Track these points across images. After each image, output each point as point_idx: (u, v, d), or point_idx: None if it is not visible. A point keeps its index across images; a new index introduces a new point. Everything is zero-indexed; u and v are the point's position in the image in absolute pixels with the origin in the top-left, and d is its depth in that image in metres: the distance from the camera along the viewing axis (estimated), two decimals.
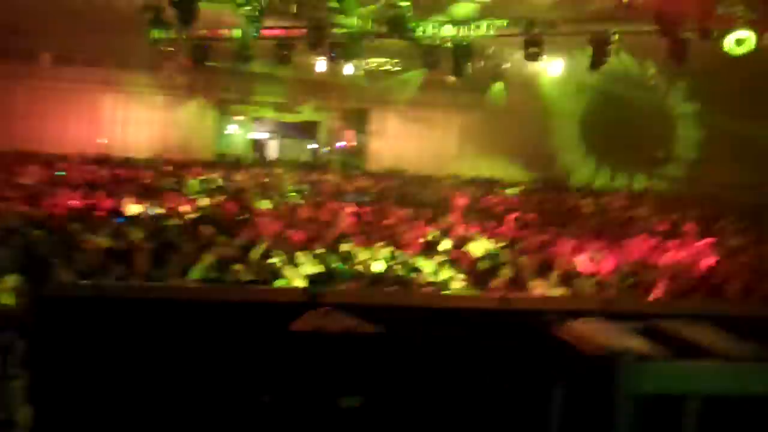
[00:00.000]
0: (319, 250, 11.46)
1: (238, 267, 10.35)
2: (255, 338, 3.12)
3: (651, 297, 9.73)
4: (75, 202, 15.54)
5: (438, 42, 19.82)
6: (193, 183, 21.37)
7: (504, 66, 23.88)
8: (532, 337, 3.08)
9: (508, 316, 3.42)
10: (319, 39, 18.78)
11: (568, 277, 10.91)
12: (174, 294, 3.67)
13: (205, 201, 17.15)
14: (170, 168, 24.93)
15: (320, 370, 2.85)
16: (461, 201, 20.36)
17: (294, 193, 20.55)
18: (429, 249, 12.95)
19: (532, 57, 18.04)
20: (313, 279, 3.17)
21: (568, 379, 2.83)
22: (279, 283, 9.88)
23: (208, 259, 10.52)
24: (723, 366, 2.63)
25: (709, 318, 3.16)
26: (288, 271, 10.13)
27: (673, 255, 13.91)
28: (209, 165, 27.28)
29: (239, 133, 36.03)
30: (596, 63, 17.21)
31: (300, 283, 9.76)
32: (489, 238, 14.44)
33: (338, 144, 34.91)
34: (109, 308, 3.23)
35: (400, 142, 32.53)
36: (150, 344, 3.19)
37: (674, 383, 2.61)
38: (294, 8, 18.33)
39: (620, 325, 2.95)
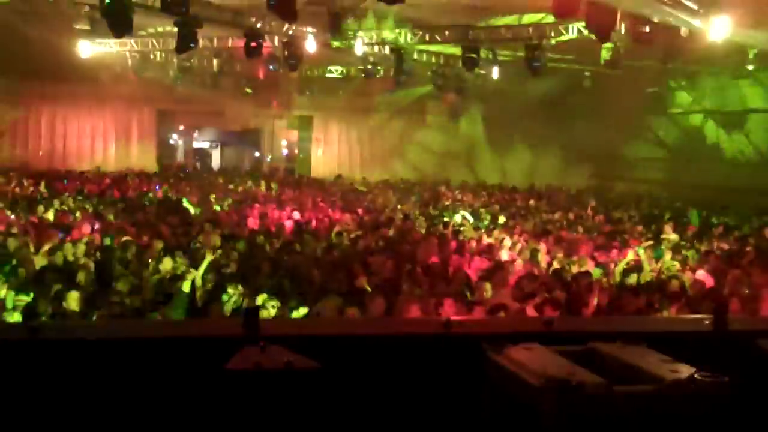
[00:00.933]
0: None
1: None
2: (188, 378, 3.03)
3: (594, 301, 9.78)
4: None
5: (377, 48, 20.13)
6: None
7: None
8: (474, 363, 3.07)
9: (450, 341, 3.40)
10: (255, 47, 18.68)
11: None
12: (100, 333, 3.53)
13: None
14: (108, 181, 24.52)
15: (259, 412, 2.77)
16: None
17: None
18: None
19: (469, 64, 18.29)
20: (249, 310, 3.01)
21: (510, 407, 2.82)
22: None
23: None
24: (658, 391, 2.66)
25: (644, 337, 3.19)
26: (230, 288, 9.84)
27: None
28: (149, 176, 26.87)
29: (181, 142, 35.73)
30: (534, 70, 17.56)
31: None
32: None
33: (283, 152, 34.75)
34: (40, 348, 3.12)
35: (343, 148, 32.54)
36: (77, 385, 3.08)
37: (611, 410, 2.62)
38: (229, 17, 18.19)
39: (559, 349, 2.96)
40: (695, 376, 2.74)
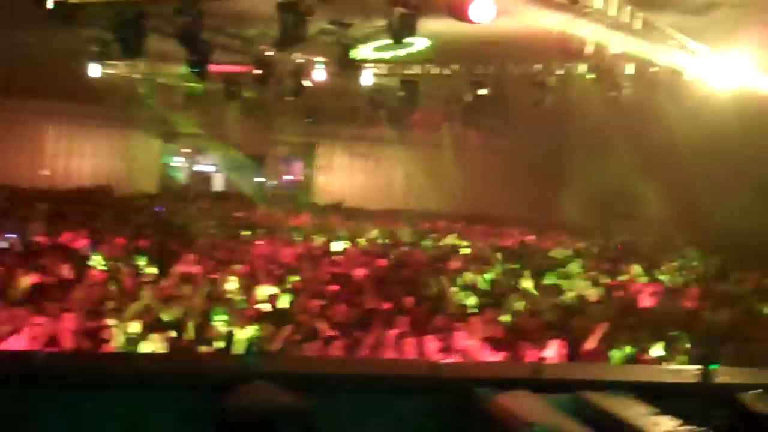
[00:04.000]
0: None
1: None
2: (184, 416, 3.06)
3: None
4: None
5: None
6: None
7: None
8: (463, 410, 3.11)
9: (440, 385, 3.44)
10: (265, 74, 18.88)
11: None
12: (85, 365, 3.55)
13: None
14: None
15: None
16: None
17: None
18: None
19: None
20: (249, 349, 3.05)
21: None
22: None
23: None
24: None
25: (633, 386, 3.25)
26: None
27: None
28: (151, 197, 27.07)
29: (185, 165, 35.86)
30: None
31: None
32: None
33: (285, 177, 34.85)
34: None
35: (346, 176, 32.78)
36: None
37: None
38: (239, 44, 18.38)
39: (548, 398, 3.01)
40: (679, 429, 2.80)
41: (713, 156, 20.44)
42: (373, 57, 19.26)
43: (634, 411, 2.99)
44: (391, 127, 29.32)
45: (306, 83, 20.19)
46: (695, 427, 2.78)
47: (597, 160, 25.64)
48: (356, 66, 19.91)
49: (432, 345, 8.82)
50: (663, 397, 3.17)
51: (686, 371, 3.90)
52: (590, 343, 9.57)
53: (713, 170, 21.42)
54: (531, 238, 23.34)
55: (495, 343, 9.12)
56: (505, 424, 2.81)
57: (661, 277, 16.54)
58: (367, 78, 20.20)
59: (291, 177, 35.02)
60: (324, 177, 32.93)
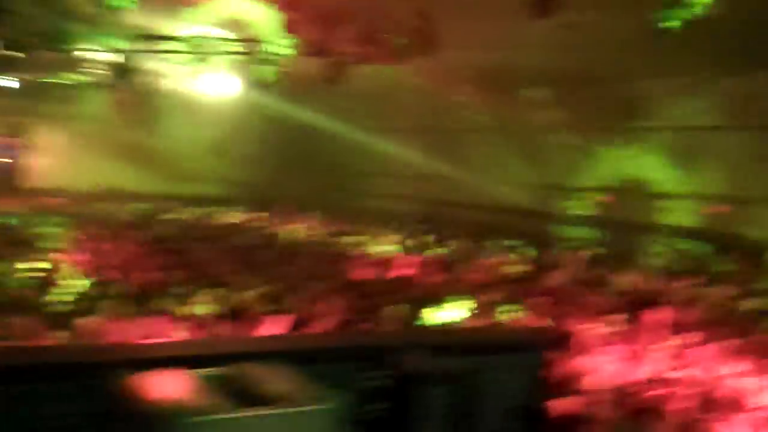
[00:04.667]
0: None
1: None
2: None
3: None
4: None
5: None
6: None
7: None
8: (106, 393, 2.98)
9: (89, 369, 3.29)
10: None
11: None
12: None
13: None
14: None
15: None
16: None
17: None
18: None
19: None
20: None
21: None
22: None
23: None
24: (277, 413, 2.72)
25: (289, 355, 3.28)
26: None
27: None
28: None
29: None
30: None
31: None
32: None
33: None
34: None
35: (64, 157, 30.75)
36: None
37: None
38: None
39: (196, 373, 2.94)
40: (315, 395, 2.84)
41: None
42: None
43: (281, 380, 3.01)
44: (109, 107, 27.98)
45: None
46: (332, 392, 2.84)
47: None
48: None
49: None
50: (317, 363, 3.22)
51: (343, 335, 4.02)
52: (318, 318, 9.67)
53: None
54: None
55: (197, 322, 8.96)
56: (140, 407, 2.72)
57: (384, 248, 17.16)
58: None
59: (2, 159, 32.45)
60: (40, 158, 30.75)
